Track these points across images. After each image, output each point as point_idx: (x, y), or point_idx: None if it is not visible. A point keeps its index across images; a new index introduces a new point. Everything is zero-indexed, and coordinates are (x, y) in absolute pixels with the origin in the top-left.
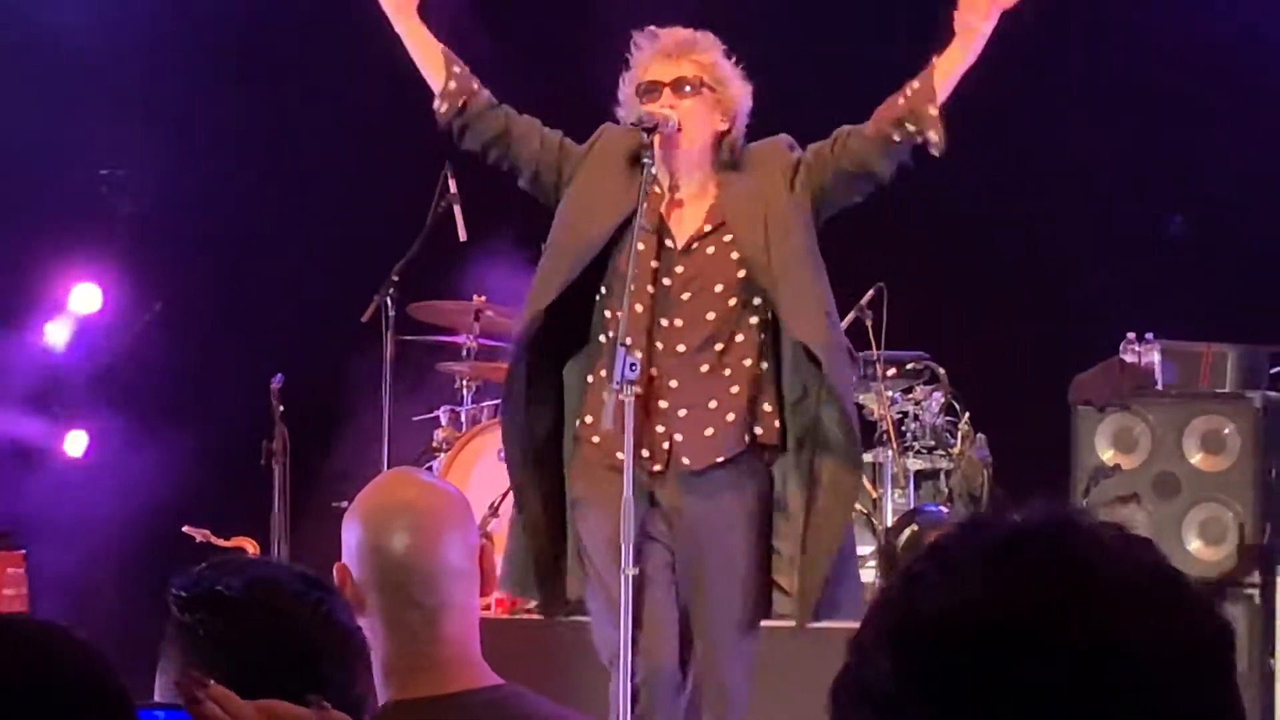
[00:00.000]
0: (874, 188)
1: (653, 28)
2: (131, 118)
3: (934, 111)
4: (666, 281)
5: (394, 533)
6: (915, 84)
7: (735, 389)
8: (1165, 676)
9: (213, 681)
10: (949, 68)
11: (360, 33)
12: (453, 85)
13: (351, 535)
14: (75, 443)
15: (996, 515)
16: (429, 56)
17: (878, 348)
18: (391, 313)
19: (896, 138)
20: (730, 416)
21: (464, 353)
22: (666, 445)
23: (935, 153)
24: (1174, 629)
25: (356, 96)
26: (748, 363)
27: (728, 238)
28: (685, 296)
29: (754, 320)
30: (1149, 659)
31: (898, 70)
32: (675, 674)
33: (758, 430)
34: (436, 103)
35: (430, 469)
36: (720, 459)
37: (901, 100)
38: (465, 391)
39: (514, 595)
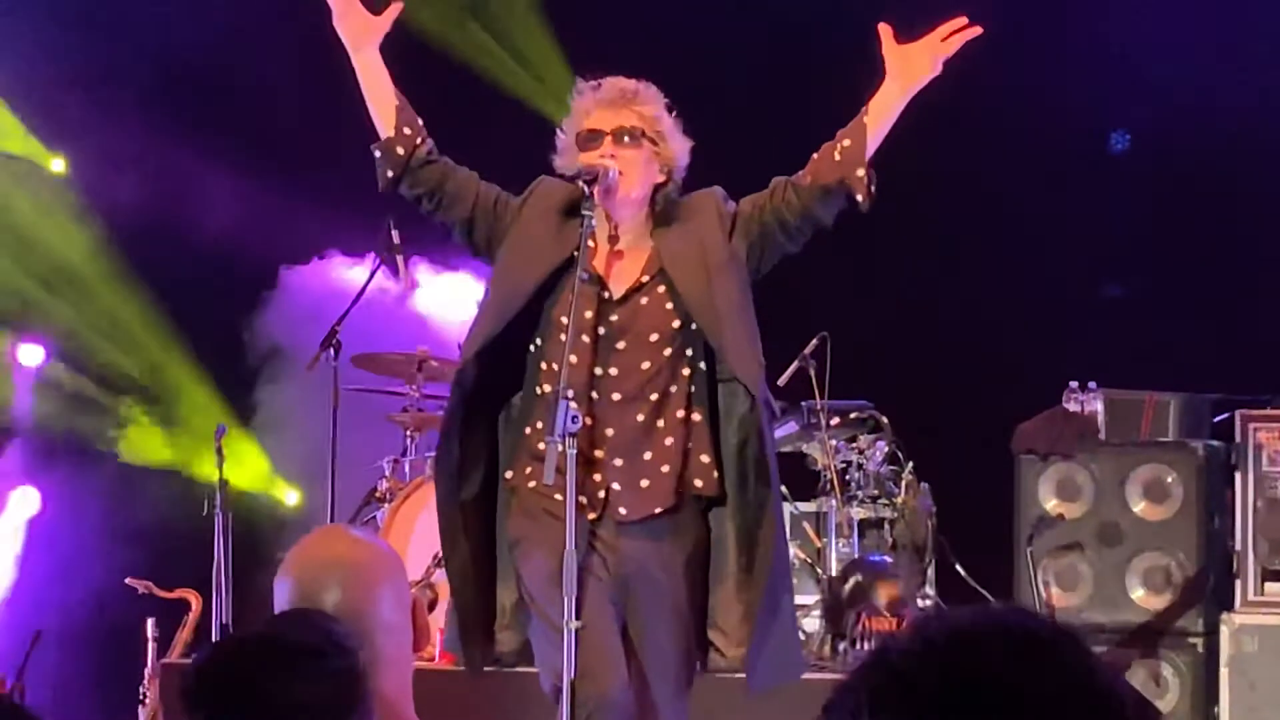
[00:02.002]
0: (814, 233)
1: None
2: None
3: (861, 173)
4: (602, 330)
5: (326, 589)
6: (846, 141)
7: (670, 440)
8: None
9: None
10: (883, 113)
11: (302, 64)
12: (396, 136)
13: (283, 591)
14: (25, 502)
15: (977, 608)
16: (381, 100)
17: (821, 396)
18: (335, 363)
19: (832, 190)
20: (665, 469)
21: (407, 403)
22: (602, 494)
23: (862, 209)
24: None
25: (299, 156)
26: (680, 414)
27: (662, 288)
28: (621, 345)
29: (686, 371)
30: None
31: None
32: (624, 700)
33: (696, 482)
34: (376, 151)
35: (374, 519)
36: (657, 510)
37: (836, 156)
38: (409, 441)
39: (452, 653)
